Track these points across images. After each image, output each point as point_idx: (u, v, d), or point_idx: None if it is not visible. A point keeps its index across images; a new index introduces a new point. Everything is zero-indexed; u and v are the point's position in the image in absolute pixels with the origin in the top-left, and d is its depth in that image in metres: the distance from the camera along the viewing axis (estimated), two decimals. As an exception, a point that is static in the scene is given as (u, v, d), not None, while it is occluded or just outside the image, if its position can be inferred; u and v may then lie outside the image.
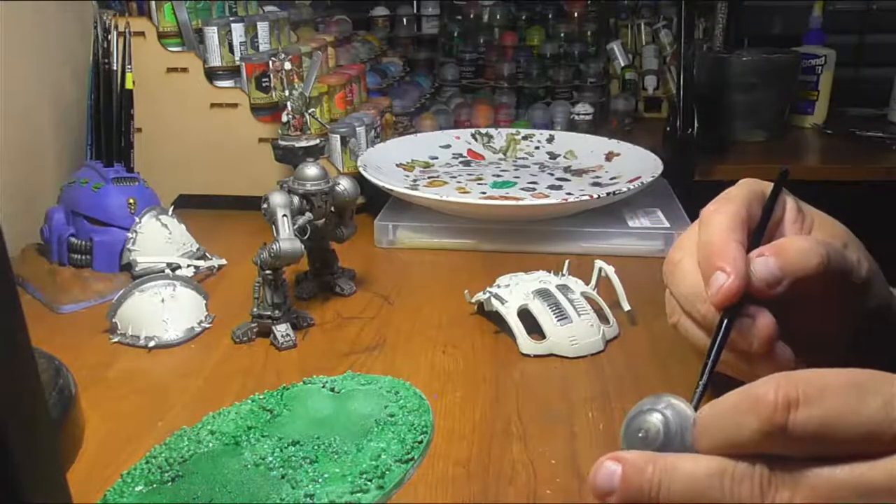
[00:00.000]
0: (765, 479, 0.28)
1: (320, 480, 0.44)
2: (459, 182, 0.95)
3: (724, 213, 0.42)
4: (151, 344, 0.61)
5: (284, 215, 0.61)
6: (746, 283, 0.39)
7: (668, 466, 0.29)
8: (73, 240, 0.75)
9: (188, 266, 0.73)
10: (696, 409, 0.32)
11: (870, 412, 0.28)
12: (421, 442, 0.48)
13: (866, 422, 0.28)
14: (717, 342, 0.37)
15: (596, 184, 0.94)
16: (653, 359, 0.59)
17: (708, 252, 0.41)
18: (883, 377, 0.29)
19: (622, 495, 0.29)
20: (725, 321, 0.38)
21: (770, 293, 0.39)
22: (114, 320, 0.63)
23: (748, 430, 0.28)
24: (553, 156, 1.06)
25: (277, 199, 0.62)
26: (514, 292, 0.62)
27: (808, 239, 0.41)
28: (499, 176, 0.97)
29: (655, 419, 0.31)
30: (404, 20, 1.68)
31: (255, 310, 0.62)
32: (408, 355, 0.60)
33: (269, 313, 0.61)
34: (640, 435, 0.31)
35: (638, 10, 1.63)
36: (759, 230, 0.43)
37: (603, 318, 0.62)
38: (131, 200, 0.75)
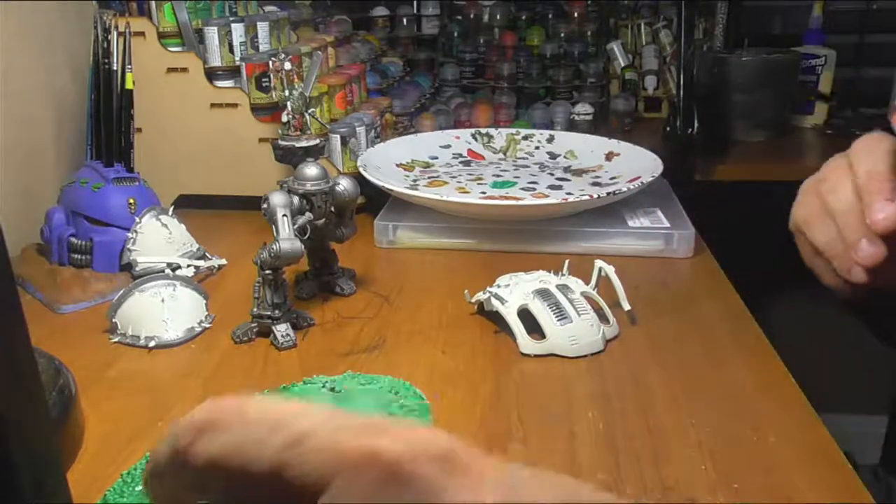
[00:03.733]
0: None
1: (320, 480, 0.44)
2: (459, 182, 0.95)
3: (888, 142, 0.44)
4: (151, 344, 0.61)
5: (284, 215, 0.61)
6: None
7: None
8: (73, 240, 0.75)
9: (188, 266, 0.73)
10: None
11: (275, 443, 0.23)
12: (421, 442, 0.48)
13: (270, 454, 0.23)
14: None
15: (596, 184, 0.93)
16: (653, 359, 0.59)
17: (875, 179, 0.42)
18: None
19: None
20: None
21: None
22: (114, 320, 0.63)
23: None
24: (553, 156, 1.06)
25: (277, 199, 0.62)
26: (514, 292, 0.62)
27: None
28: (499, 176, 0.97)
29: None
30: (404, 20, 1.67)
31: (255, 310, 0.62)
32: (408, 355, 0.60)
33: (269, 313, 0.61)
34: None
35: (638, 10, 1.63)
36: None
37: (603, 318, 0.62)
38: (131, 200, 0.75)
